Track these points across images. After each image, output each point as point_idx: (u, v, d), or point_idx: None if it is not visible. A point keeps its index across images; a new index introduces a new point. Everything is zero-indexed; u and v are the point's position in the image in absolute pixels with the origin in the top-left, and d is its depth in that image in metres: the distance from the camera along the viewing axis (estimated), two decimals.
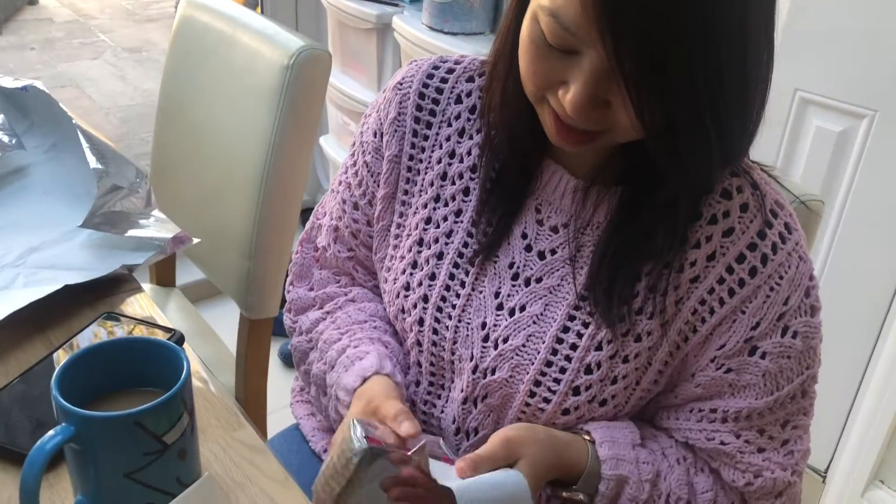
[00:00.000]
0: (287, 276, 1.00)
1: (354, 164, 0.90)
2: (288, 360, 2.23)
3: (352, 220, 0.90)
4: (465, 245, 0.81)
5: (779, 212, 0.74)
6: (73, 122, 1.05)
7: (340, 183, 0.92)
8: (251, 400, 1.36)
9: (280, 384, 1.53)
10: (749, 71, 0.63)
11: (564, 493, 0.74)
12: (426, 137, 0.84)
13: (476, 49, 1.76)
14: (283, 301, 1.13)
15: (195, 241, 0.99)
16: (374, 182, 0.87)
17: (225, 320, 2.07)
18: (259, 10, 2.47)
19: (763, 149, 0.75)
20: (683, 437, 0.78)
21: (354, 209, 0.90)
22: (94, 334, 0.84)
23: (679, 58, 0.58)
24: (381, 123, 0.86)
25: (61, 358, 0.80)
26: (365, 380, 0.80)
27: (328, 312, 0.92)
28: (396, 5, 2.07)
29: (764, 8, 0.62)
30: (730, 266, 0.72)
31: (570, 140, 0.68)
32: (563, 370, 0.76)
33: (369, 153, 0.87)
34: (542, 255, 0.78)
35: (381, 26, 2.06)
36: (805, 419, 0.77)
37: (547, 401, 0.76)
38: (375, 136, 0.87)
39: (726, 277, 0.72)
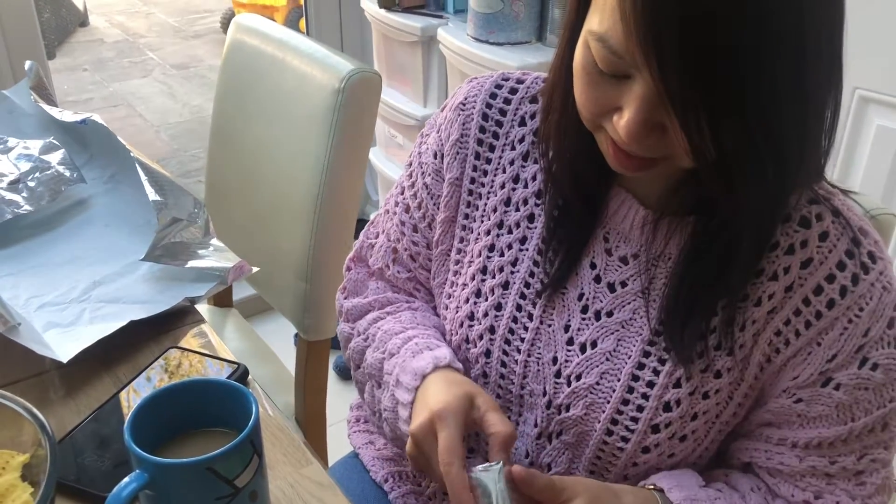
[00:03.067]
0: (337, 296, 0.98)
1: (413, 185, 0.88)
2: (342, 372, 2.25)
3: (411, 243, 0.89)
4: (532, 275, 0.79)
5: (862, 240, 0.70)
6: (131, 154, 1.07)
7: (397, 204, 0.90)
8: (310, 420, 1.37)
9: (336, 397, 1.55)
10: (807, 90, 0.59)
11: None
12: (489, 161, 0.82)
13: (522, 58, 1.74)
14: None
15: (254, 269, 1.00)
16: (435, 205, 0.86)
17: (281, 334, 2.10)
18: (303, 25, 2.49)
19: (839, 185, 0.73)
20: (748, 456, 0.76)
21: (414, 232, 0.88)
22: (160, 369, 0.85)
23: (724, 77, 0.56)
24: (442, 145, 0.84)
25: (129, 397, 0.81)
26: (437, 368, 0.76)
27: (388, 312, 0.90)
28: (441, 17, 2.07)
29: (824, 20, 0.58)
30: (807, 298, 0.70)
31: (630, 166, 0.67)
32: (640, 409, 0.74)
33: (429, 175, 0.86)
34: (612, 287, 0.76)
35: (426, 39, 2.05)
36: (885, 453, 0.73)
37: (625, 440, 0.75)
38: (436, 158, 0.85)
39: (803, 309, 0.70)
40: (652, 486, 0.73)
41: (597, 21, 0.62)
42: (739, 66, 0.56)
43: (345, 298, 0.96)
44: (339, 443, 1.10)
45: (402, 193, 0.90)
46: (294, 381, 1.39)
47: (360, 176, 1.27)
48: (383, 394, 0.82)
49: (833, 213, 0.71)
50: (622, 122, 0.62)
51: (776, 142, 0.60)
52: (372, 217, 0.97)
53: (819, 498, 0.73)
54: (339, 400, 1.28)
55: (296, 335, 1.37)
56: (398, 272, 0.91)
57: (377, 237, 0.94)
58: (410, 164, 0.90)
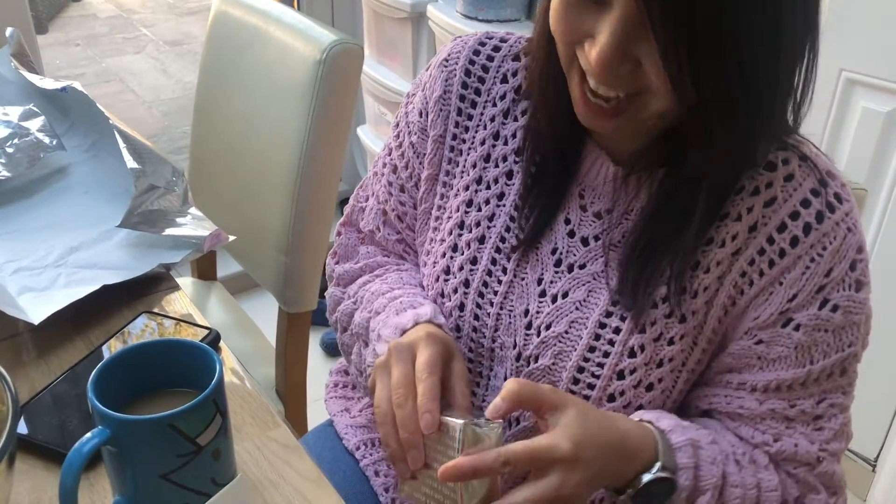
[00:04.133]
0: (327, 260, 0.98)
1: (400, 145, 0.89)
2: (329, 349, 2.25)
3: (398, 203, 0.90)
4: (508, 230, 0.80)
5: (829, 182, 0.71)
6: (111, 122, 1.06)
7: (385, 165, 0.91)
8: (291, 392, 1.38)
9: (322, 374, 1.55)
10: (783, 41, 0.61)
11: (648, 475, 0.67)
12: (470, 117, 0.83)
13: None
14: (322, 292, 1.12)
15: (231, 238, 1.00)
16: (421, 164, 0.86)
17: (266, 311, 2.10)
18: (295, 4, 2.48)
19: (807, 132, 0.73)
20: (708, 403, 0.76)
21: (401, 192, 0.89)
22: (132, 333, 0.85)
23: (708, 10, 0.57)
24: (427, 102, 0.85)
25: (100, 359, 0.82)
26: (418, 324, 0.76)
27: (377, 275, 0.91)
28: None
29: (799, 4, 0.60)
30: (770, 236, 0.70)
31: (597, 113, 0.67)
32: (606, 354, 0.74)
33: (415, 133, 0.86)
34: (585, 242, 0.77)
35: (416, 15, 2.05)
36: (843, 399, 0.73)
37: (591, 387, 0.75)
38: (421, 116, 0.86)
39: (766, 248, 0.70)
40: (648, 422, 0.71)
41: None
42: (722, 4, 0.57)
43: (336, 263, 0.96)
44: (320, 417, 1.11)
45: (390, 154, 0.91)
46: (275, 353, 1.40)
47: (342, 148, 1.27)
48: (369, 351, 0.83)
49: (801, 157, 0.71)
50: (595, 49, 0.62)
51: (749, 87, 0.61)
52: (362, 181, 0.98)
53: (777, 440, 0.73)
54: (324, 376, 1.28)
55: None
56: (388, 234, 0.92)
57: (367, 200, 0.94)
58: (398, 125, 0.90)
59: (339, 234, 0.97)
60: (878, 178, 1.59)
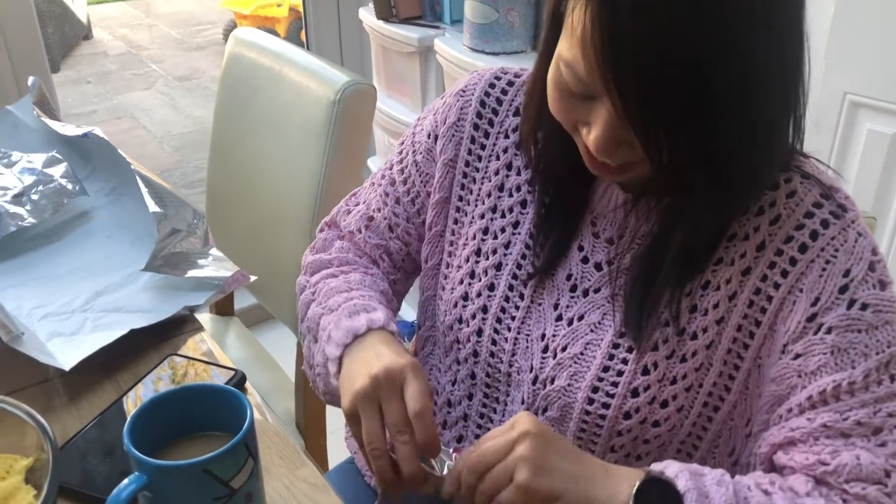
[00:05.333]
0: (304, 253, 1.00)
1: (402, 161, 0.92)
2: None
3: (392, 214, 0.92)
4: (524, 257, 0.83)
5: (832, 195, 0.72)
6: (132, 166, 1.09)
7: (384, 177, 0.94)
8: (311, 425, 1.39)
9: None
10: (753, 114, 0.64)
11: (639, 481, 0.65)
12: (483, 146, 0.86)
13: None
14: None
15: (252, 278, 1.02)
16: (423, 182, 0.90)
17: (283, 342, 2.12)
18: (303, 36, 2.52)
19: (814, 155, 0.75)
20: (758, 447, 0.73)
21: (396, 203, 0.92)
22: (159, 377, 0.87)
23: (678, 107, 0.61)
24: (438, 126, 0.88)
25: (130, 403, 0.84)
26: (371, 330, 0.77)
27: (342, 271, 0.91)
28: (437, 28, 2.09)
29: (772, 54, 0.62)
30: (779, 249, 0.72)
31: (604, 171, 0.71)
32: (619, 373, 0.76)
33: (420, 153, 0.90)
34: (598, 267, 0.80)
35: (423, 49, 2.08)
36: None
37: (606, 406, 0.76)
38: (429, 138, 0.89)
39: (776, 261, 0.72)
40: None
41: (566, 46, 0.66)
42: (691, 98, 0.61)
43: (311, 254, 0.98)
44: (339, 449, 1.12)
45: (391, 168, 0.94)
46: (294, 387, 1.41)
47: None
48: (317, 349, 0.83)
49: (803, 175, 0.74)
50: (591, 137, 0.68)
51: (727, 157, 0.65)
52: (354, 189, 1.00)
53: (836, 456, 0.67)
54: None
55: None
56: (368, 237, 0.94)
57: (357, 205, 0.97)
58: (402, 143, 0.94)
59: (320, 230, 1.00)
60: (885, 200, 1.60)
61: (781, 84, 0.65)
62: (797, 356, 0.70)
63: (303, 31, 2.52)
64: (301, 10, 2.51)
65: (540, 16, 1.88)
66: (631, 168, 0.70)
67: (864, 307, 0.69)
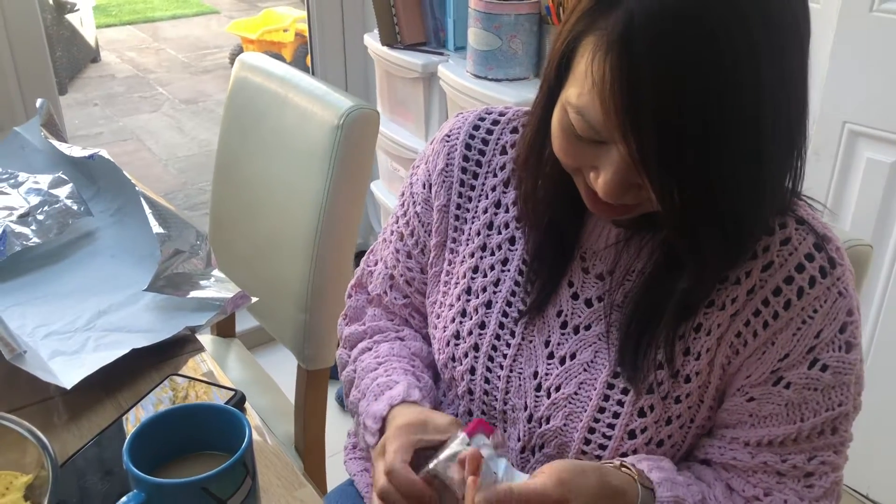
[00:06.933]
0: (339, 321, 1.03)
1: (405, 213, 0.93)
2: (343, 403, 2.27)
3: (406, 269, 0.94)
4: (514, 294, 0.83)
5: (824, 246, 0.74)
6: (137, 188, 1.11)
7: (392, 233, 0.96)
8: (310, 449, 1.39)
9: (337, 428, 1.57)
10: (764, 161, 0.65)
11: None
12: (473, 188, 0.87)
13: (520, 94, 1.79)
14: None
15: (253, 300, 1.03)
16: (426, 231, 0.91)
17: (283, 366, 2.12)
18: (309, 61, 2.55)
19: (813, 184, 0.77)
20: (704, 453, 0.79)
21: (408, 258, 0.93)
22: (159, 398, 0.88)
23: (695, 158, 0.62)
24: (430, 175, 0.90)
25: (130, 422, 0.84)
26: (392, 407, 0.82)
27: (375, 342, 0.95)
28: (441, 54, 2.12)
29: (783, 102, 0.64)
30: (766, 299, 0.73)
31: (607, 212, 0.72)
32: (616, 415, 0.77)
33: (419, 204, 0.91)
34: (588, 303, 0.80)
35: (427, 75, 2.10)
36: (835, 458, 0.75)
37: (603, 447, 0.77)
38: (424, 188, 0.90)
39: (762, 310, 0.73)
40: (630, 465, 0.75)
41: (575, 94, 0.66)
42: (708, 147, 0.62)
43: (346, 325, 1.01)
44: (338, 472, 1.12)
45: (397, 222, 0.95)
46: (294, 410, 1.42)
47: (359, 210, 1.31)
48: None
49: (797, 220, 0.75)
50: (600, 181, 0.68)
51: (735, 207, 0.66)
52: (371, 245, 1.02)
53: (768, 495, 0.75)
54: (340, 430, 1.29)
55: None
56: (395, 298, 0.96)
57: (376, 265, 0.99)
58: (403, 195, 0.95)
59: (349, 296, 1.02)
60: (885, 228, 1.61)
61: (788, 131, 0.66)
62: (752, 399, 0.75)
63: (308, 57, 2.55)
64: (307, 35, 2.54)
65: (542, 44, 1.90)
66: (634, 208, 0.71)
67: (824, 368, 0.73)
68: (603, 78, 0.62)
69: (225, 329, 1.66)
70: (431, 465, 0.71)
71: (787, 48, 0.62)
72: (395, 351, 0.92)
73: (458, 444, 0.71)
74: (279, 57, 5.02)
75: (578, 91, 0.66)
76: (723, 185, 0.64)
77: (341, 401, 2.27)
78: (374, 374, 0.89)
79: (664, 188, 0.64)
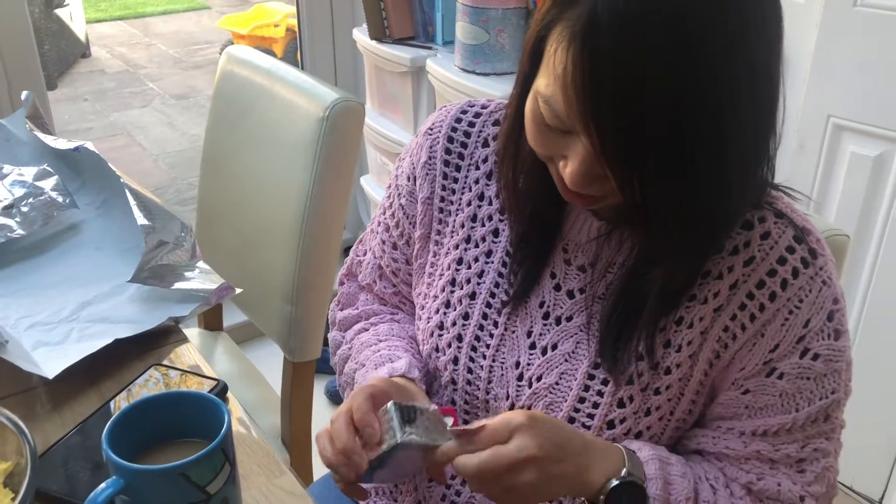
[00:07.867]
0: (330, 307, 1.04)
1: (391, 205, 0.95)
2: (333, 397, 2.27)
3: (392, 260, 0.95)
4: (497, 285, 0.84)
5: (804, 238, 0.74)
6: (122, 180, 1.11)
7: (379, 224, 0.97)
8: (297, 441, 1.40)
9: (324, 421, 1.58)
10: (729, 156, 0.65)
11: (615, 480, 0.71)
12: (455, 180, 0.88)
13: (507, 88, 1.78)
14: (325, 341, 1.17)
15: (237, 291, 1.03)
16: (410, 224, 0.92)
17: (272, 360, 2.12)
18: (298, 56, 2.55)
19: (798, 177, 0.77)
20: (696, 443, 0.79)
21: (393, 249, 0.95)
22: (142, 386, 0.88)
23: (656, 151, 0.63)
24: (414, 167, 0.91)
25: (113, 411, 0.84)
26: (392, 377, 0.83)
27: (371, 324, 0.97)
28: (430, 48, 2.12)
29: (747, 98, 0.64)
30: (750, 293, 0.74)
31: (578, 201, 0.73)
32: (595, 405, 0.78)
33: (404, 196, 0.92)
34: (570, 294, 0.81)
35: (415, 69, 2.11)
36: (826, 444, 0.76)
37: None
38: (409, 180, 0.91)
39: (747, 304, 0.74)
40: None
41: (543, 83, 0.67)
42: (669, 142, 0.62)
43: (339, 310, 1.02)
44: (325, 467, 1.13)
45: (384, 214, 0.96)
46: (280, 403, 1.42)
47: (344, 202, 1.31)
48: None
49: (776, 214, 0.75)
50: (567, 170, 0.69)
51: (699, 201, 0.66)
52: (361, 235, 1.03)
53: (761, 479, 0.76)
54: (327, 423, 1.30)
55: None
56: (385, 287, 0.98)
57: (365, 254, 1.00)
58: (389, 187, 0.96)
59: (341, 283, 1.03)
60: (868, 220, 1.62)
61: (755, 126, 0.66)
62: (747, 391, 0.76)
63: (297, 53, 2.55)
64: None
65: None
66: (603, 199, 0.71)
67: (815, 357, 0.74)
68: (565, 69, 0.63)
69: (212, 322, 1.66)
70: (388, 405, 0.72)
71: (752, 44, 0.62)
72: (395, 332, 0.94)
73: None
74: (270, 52, 5.01)
75: (546, 81, 0.67)
76: (686, 180, 0.64)
77: (330, 395, 2.28)
78: (375, 347, 0.90)
79: (625, 180, 0.65)
